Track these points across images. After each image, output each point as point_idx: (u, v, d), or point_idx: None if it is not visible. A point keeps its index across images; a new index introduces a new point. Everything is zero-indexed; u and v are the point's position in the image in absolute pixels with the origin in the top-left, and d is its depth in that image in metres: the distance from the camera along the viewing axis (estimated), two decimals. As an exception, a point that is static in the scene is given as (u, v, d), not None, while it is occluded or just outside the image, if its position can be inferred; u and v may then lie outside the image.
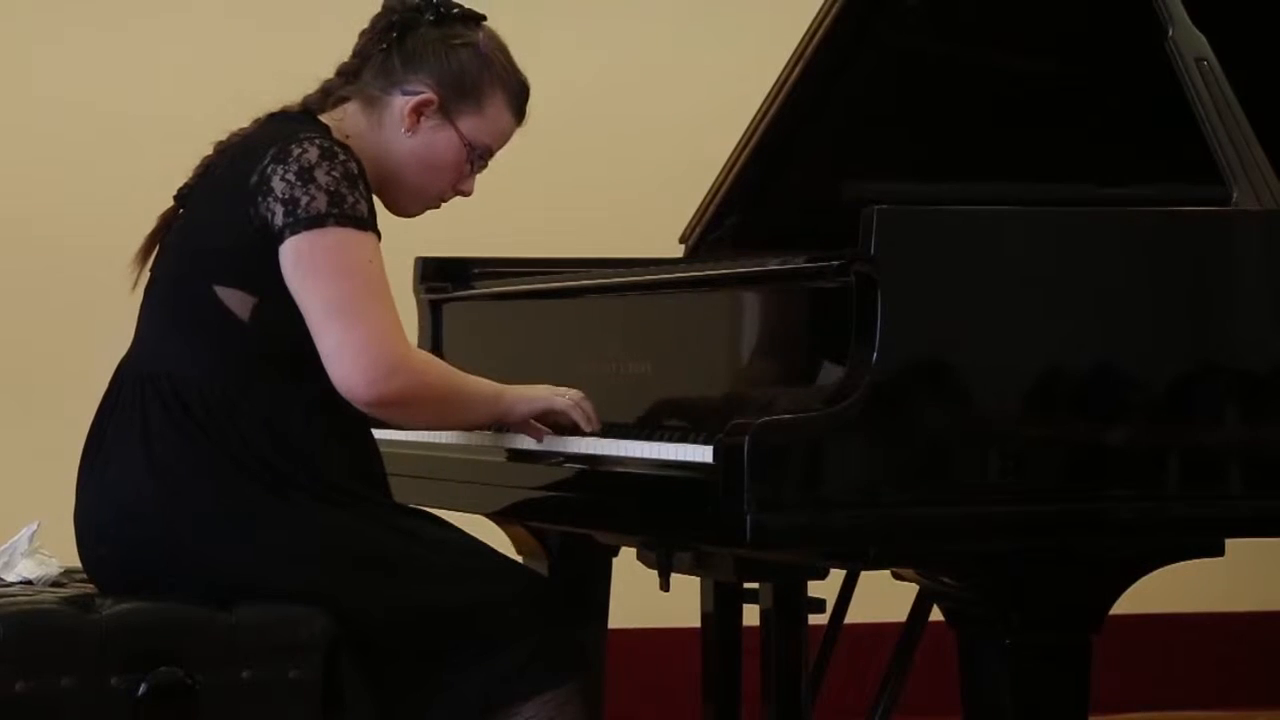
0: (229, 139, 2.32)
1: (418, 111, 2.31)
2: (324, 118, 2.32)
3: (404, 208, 2.38)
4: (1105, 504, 2.04)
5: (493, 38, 2.36)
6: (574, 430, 2.29)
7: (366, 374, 2.17)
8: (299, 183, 2.18)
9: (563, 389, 2.31)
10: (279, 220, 2.19)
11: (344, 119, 2.32)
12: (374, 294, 2.19)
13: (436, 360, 2.33)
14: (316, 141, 2.21)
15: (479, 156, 2.35)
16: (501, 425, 2.35)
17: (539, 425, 2.33)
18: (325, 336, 2.19)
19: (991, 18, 2.67)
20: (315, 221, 2.18)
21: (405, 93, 2.31)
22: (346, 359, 2.17)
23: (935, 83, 2.73)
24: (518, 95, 2.37)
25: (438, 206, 2.39)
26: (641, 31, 4.16)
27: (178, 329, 2.25)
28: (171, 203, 2.33)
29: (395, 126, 2.31)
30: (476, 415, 2.32)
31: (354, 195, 2.20)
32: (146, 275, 2.32)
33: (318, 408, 2.24)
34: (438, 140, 2.32)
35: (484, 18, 2.37)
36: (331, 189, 2.18)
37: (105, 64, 3.91)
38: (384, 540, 2.24)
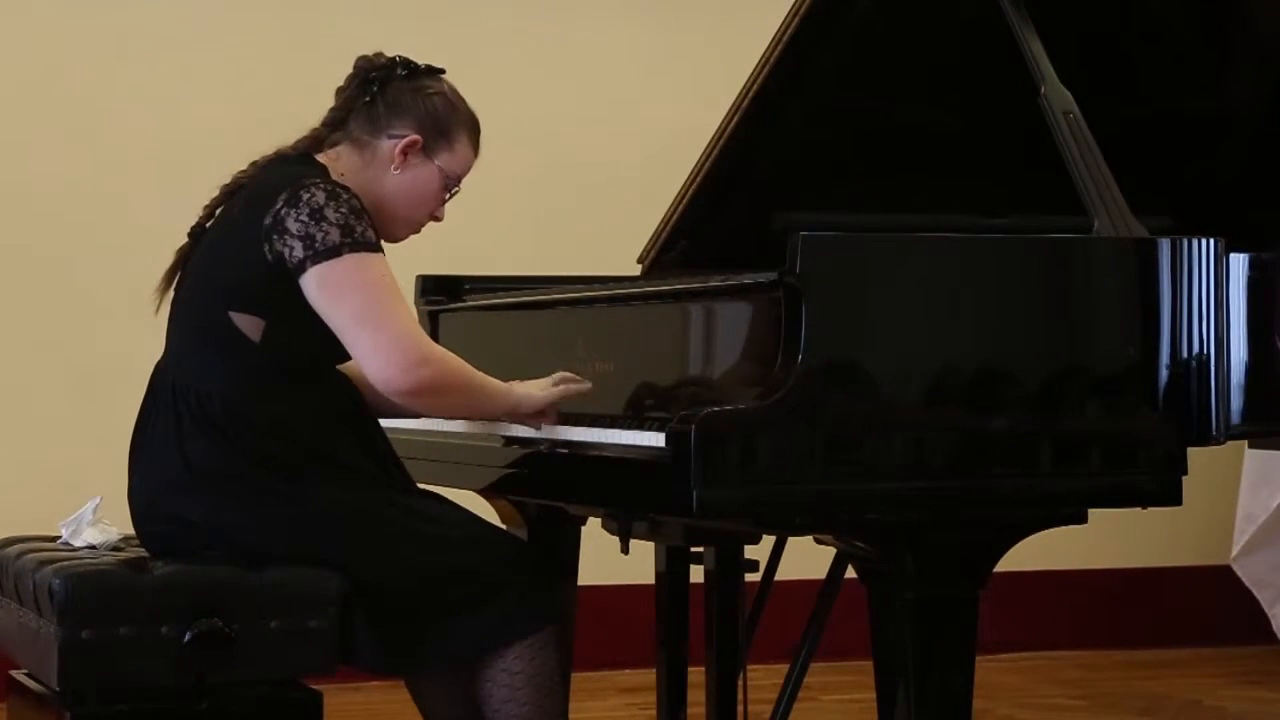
0: (233, 182, 2.30)
1: (405, 152, 2.30)
2: (320, 158, 2.31)
3: (394, 234, 2.35)
4: (989, 481, 2.04)
5: (453, 87, 2.37)
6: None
7: (400, 366, 2.15)
8: (312, 221, 2.17)
9: (556, 379, 2.28)
10: (298, 254, 2.17)
11: (338, 159, 2.31)
12: (393, 301, 2.18)
13: (455, 355, 2.31)
14: (322, 185, 2.20)
15: (451, 185, 2.35)
16: (513, 416, 2.30)
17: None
18: (358, 343, 2.17)
19: (898, 76, 2.67)
20: (333, 251, 2.17)
21: (391, 137, 2.30)
22: (381, 357, 2.16)
23: (852, 129, 2.73)
24: (476, 132, 2.37)
25: (418, 232, 2.38)
26: (606, 84, 4.16)
27: (200, 347, 2.24)
28: (187, 239, 2.32)
29: (384, 166, 2.30)
30: (493, 407, 2.28)
31: (361, 225, 2.19)
32: (169, 301, 2.31)
33: (320, 409, 2.24)
34: (421, 175, 2.31)
35: (444, 70, 2.37)
36: (342, 223, 2.17)
37: (163, 87, 3.89)
38: (387, 515, 2.23)
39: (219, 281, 2.24)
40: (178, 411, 2.22)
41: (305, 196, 2.19)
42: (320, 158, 2.31)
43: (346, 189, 2.23)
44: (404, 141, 2.29)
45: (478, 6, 4.09)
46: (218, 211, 2.31)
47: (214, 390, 2.21)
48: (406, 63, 2.34)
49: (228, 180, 2.31)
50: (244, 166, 2.32)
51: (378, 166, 2.30)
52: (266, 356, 2.21)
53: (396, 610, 2.22)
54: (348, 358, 2.23)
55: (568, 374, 2.31)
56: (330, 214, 2.18)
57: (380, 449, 2.32)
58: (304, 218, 2.17)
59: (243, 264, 2.21)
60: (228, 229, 2.26)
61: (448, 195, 2.35)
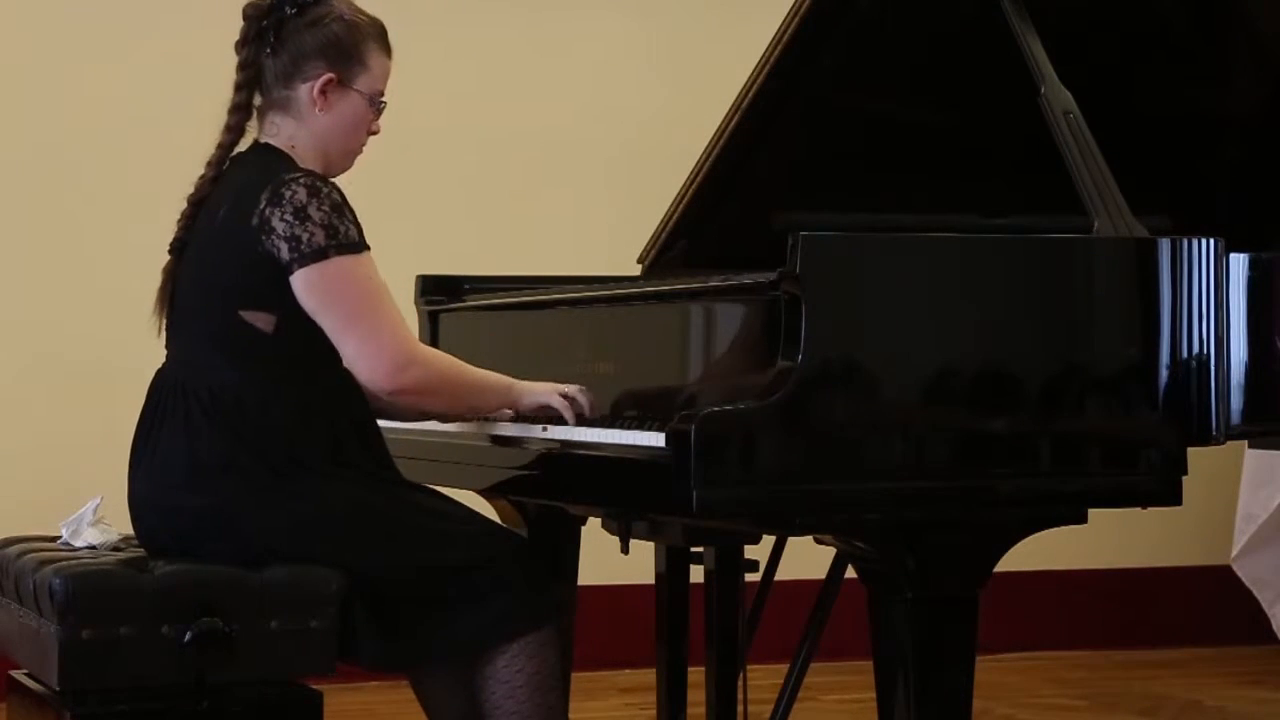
0: (196, 191, 2.29)
1: (324, 91, 2.27)
2: (272, 141, 2.28)
3: (342, 167, 2.33)
4: (989, 481, 2.04)
5: (348, 2, 2.32)
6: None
7: (386, 369, 2.19)
8: (296, 222, 2.18)
9: (565, 386, 2.29)
10: (285, 255, 2.19)
11: (278, 132, 2.29)
12: (379, 303, 2.20)
13: (446, 355, 2.32)
14: (301, 180, 2.20)
15: (377, 101, 2.32)
16: (512, 410, 2.31)
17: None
18: (346, 346, 2.20)
19: (898, 76, 2.68)
20: (318, 254, 2.18)
21: (306, 80, 2.27)
22: (368, 361, 2.19)
23: (851, 130, 2.73)
24: (382, 37, 2.33)
25: (361, 153, 2.34)
26: (605, 83, 4.16)
27: (211, 348, 2.25)
28: (169, 256, 2.31)
29: (309, 110, 2.27)
30: (487, 402, 2.31)
31: (344, 224, 2.20)
32: (165, 322, 2.31)
33: (333, 400, 2.25)
34: (346, 106, 2.29)
35: None
36: (325, 223, 2.18)
37: (156, 82, 3.89)
38: (389, 509, 2.24)
39: (223, 286, 2.24)
40: (187, 410, 2.23)
41: (287, 194, 2.19)
42: (272, 141, 2.29)
43: (325, 180, 2.23)
44: (319, 82, 2.26)
45: (478, 5, 4.09)
46: (194, 223, 2.30)
47: (228, 384, 2.22)
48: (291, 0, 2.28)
49: (191, 190, 2.31)
50: (202, 170, 2.30)
51: (306, 115, 2.27)
52: (280, 346, 2.23)
53: (397, 604, 2.22)
54: None
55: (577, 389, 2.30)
56: (314, 212, 2.18)
57: (381, 447, 2.32)
58: (288, 217, 2.18)
59: (242, 267, 2.22)
60: (218, 234, 2.26)
61: (377, 112, 2.32)
